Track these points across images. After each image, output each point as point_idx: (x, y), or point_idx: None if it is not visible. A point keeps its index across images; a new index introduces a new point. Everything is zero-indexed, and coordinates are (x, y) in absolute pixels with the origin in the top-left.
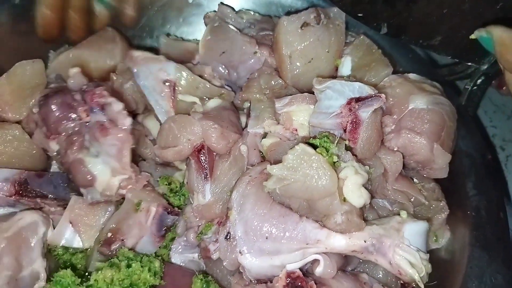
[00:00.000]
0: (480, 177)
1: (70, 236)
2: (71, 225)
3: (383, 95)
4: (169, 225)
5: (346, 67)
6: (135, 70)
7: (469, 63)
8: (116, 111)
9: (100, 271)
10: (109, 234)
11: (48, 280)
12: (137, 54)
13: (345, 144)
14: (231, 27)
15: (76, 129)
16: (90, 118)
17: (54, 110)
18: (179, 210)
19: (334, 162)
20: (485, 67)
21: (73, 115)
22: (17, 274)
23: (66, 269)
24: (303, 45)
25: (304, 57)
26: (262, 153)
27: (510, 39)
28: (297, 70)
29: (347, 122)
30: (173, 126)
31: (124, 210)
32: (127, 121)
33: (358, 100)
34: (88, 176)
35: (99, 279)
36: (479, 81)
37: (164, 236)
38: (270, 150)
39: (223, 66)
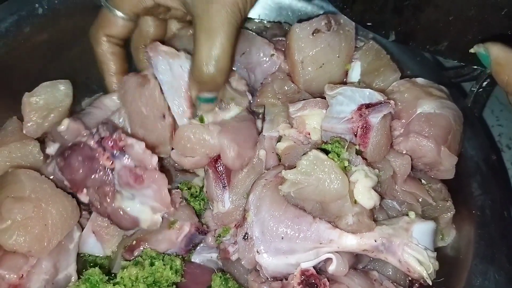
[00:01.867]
0: (484, 177)
1: (92, 245)
2: (93, 234)
3: (392, 102)
4: (197, 243)
5: (355, 71)
6: (153, 61)
7: (475, 66)
8: (139, 152)
9: (125, 269)
10: (134, 242)
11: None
12: (161, 46)
13: (356, 149)
14: (247, 30)
15: (104, 178)
16: (114, 165)
17: (77, 168)
18: (208, 230)
19: (345, 167)
20: None
21: (97, 167)
22: (54, 278)
23: (95, 268)
24: (314, 51)
25: (315, 62)
26: (279, 156)
27: (505, 59)
28: (309, 75)
29: (358, 127)
30: (191, 137)
31: None
32: (154, 160)
33: (368, 106)
34: (131, 220)
35: (125, 277)
36: (484, 83)
37: (190, 250)
38: (285, 153)
39: (244, 68)
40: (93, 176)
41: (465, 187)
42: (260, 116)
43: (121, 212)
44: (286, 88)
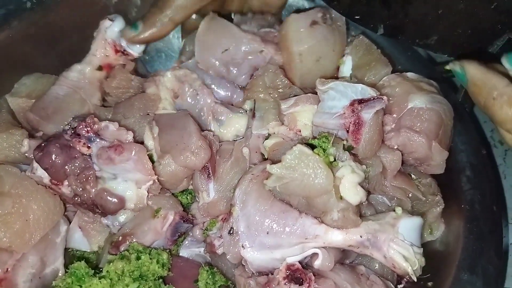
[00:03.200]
0: (474, 172)
1: (79, 240)
2: (80, 229)
3: (385, 97)
4: (183, 232)
5: (347, 66)
6: None
7: None
8: (114, 130)
9: (111, 263)
10: (120, 238)
11: None
12: None
13: (344, 144)
14: (231, 23)
15: (83, 165)
16: (91, 150)
17: (55, 155)
18: (194, 219)
19: (331, 162)
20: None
21: (75, 154)
22: (41, 272)
23: (80, 261)
24: (312, 43)
25: (313, 55)
26: (264, 154)
27: (482, 81)
28: (306, 69)
29: (350, 123)
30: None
31: (141, 217)
32: (130, 135)
33: (360, 101)
34: (116, 199)
35: (111, 271)
36: None
37: (176, 241)
38: (273, 150)
39: (221, 64)
40: (72, 163)
41: (455, 181)
42: (248, 112)
43: (106, 194)
44: (278, 82)
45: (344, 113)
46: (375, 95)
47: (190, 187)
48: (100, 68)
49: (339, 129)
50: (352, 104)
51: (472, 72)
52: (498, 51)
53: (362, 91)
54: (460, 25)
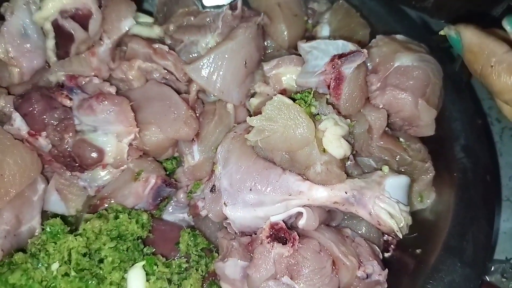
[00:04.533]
0: (468, 140)
1: (56, 203)
2: (56, 192)
3: (365, 50)
4: (165, 196)
5: (324, 31)
6: None
7: None
8: (97, 84)
9: (88, 222)
10: (98, 201)
11: None
12: None
13: (327, 99)
14: None
15: (62, 116)
16: (72, 102)
17: (35, 104)
18: (177, 183)
19: (315, 115)
20: None
21: (55, 104)
22: (16, 229)
23: (56, 218)
24: None
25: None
26: (250, 111)
27: (479, 47)
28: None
29: (331, 79)
30: None
31: (122, 180)
32: (112, 88)
33: (340, 56)
34: (94, 152)
35: (88, 229)
36: None
37: (158, 205)
38: (258, 108)
39: None
40: (51, 112)
41: (448, 150)
42: None
43: (85, 144)
44: (267, 45)
45: (325, 70)
46: (355, 49)
47: (176, 154)
48: None
49: (321, 86)
50: (332, 60)
51: (468, 37)
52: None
53: (343, 47)
54: None
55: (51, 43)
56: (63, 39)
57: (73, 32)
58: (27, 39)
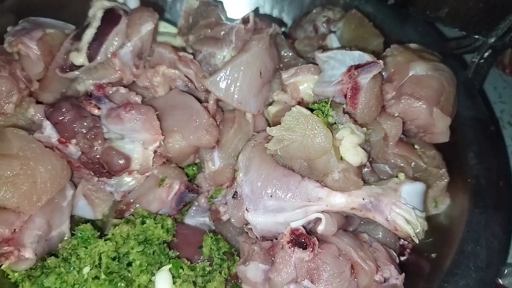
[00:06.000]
0: (482, 147)
1: (83, 208)
2: (84, 198)
3: (381, 61)
4: (188, 201)
5: (334, 42)
6: None
7: (476, 36)
8: (124, 93)
9: (117, 227)
10: (124, 206)
11: None
12: None
13: (343, 108)
14: None
15: (92, 125)
16: (101, 111)
17: (66, 113)
18: (199, 189)
19: (332, 124)
20: (492, 40)
21: (85, 113)
22: (47, 234)
23: (87, 224)
24: None
25: None
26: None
27: None
28: None
29: (347, 88)
30: None
31: (147, 185)
32: (138, 98)
33: (357, 67)
34: (122, 159)
35: (116, 234)
36: (486, 54)
37: (181, 210)
38: (276, 116)
39: None
40: (81, 121)
41: (461, 156)
42: None
43: (113, 151)
44: (284, 54)
45: (342, 80)
46: (372, 60)
47: (197, 160)
48: None
49: (337, 96)
50: (349, 70)
51: None
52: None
53: (359, 57)
54: None
55: (90, 32)
56: (106, 26)
57: (122, 15)
58: None
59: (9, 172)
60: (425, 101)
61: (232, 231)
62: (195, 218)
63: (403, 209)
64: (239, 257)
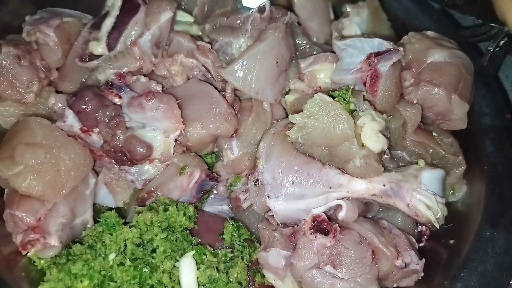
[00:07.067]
0: (498, 134)
1: (105, 196)
2: (105, 186)
3: (401, 48)
4: (208, 189)
5: (354, 27)
6: None
7: (493, 24)
8: (144, 82)
9: (140, 214)
10: (145, 195)
11: None
12: None
13: (363, 95)
14: None
15: (114, 113)
16: (122, 100)
17: (88, 102)
18: (218, 177)
19: (353, 111)
20: (508, 28)
21: (106, 102)
22: (71, 222)
23: (111, 211)
24: None
25: None
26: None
27: None
28: None
29: (367, 76)
30: None
31: (167, 174)
32: (159, 86)
33: (377, 54)
34: (144, 147)
35: (140, 221)
36: (501, 42)
37: (201, 198)
38: (294, 104)
39: None
40: (103, 110)
41: (478, 144)
42: None
43: (135, 140)
44: (299, 42)
45: (361, 68)
46: (391, 47)
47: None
48: None
49: (356, 84)
50: (368, 57)
51: None
52: None
53: (378, 45)
54: None
55: (109, 22)
56: (125, 15)
57: (141, 4)
58: None
59: (33, 161)
60: (444, 87)
61: (251, 218)
62: (213, 206)
63: (423, 195)
64: (259, 243)
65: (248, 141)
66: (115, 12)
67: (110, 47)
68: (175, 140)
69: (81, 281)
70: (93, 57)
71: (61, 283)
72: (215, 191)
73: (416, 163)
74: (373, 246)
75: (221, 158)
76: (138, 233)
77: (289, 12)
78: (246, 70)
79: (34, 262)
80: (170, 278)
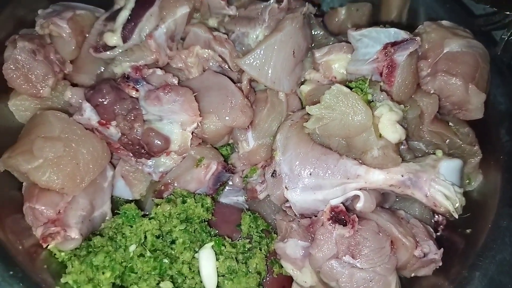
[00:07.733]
0: None
1: (122, 188)
2: (122, 178)
3: (418, 38)
4: (224, 181)
5: None
6: None
7: (508, 12)
8: (160, 75)
9: (159, 206)
10: (162, 187)
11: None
12: None
13: (380, 86)
14: None
15: (131, 106)
16: (139, 93)
17: (106, 95)
18: (234, 168)
19: (370, 102)
20: None
21: (124, 95)
22: (90, 215)
23: (131, 203)
24: None
25: None
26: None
27: None
28: None
29: (383, 66)
30: None
31: (184, 166)
32: (175, 79)
33: (394, 44)
34: (161, 140)
35: (159, 213)
36: None
37: (217, 189)
38: (309, 95)
39: None
40: (121, 103)
41: (493, 133)
42: None
43: (153, 132)
44: (315, 33)
45: (377, 58)
46: (408, 37)
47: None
48: None
49: (373, 74)
50: (385, 47)
51: None
52: None
53: (395, 34)
54: None
55: (125, 14)
56: (140, 8)
57: None
58: None
59: (53, 154)
60: (461, 77)
61: (267, 210)
62: (229, 198)
63: (442, 185)
64: (276, 234)
65: (263, 132)
66: (130, 5)
67: (124, 39)
68: (192, 133)
69: (103, 273)
70: (107, 48)
71: (83, 275)
72: (230, 183)
73: (433, 154)
74: (391, 236)
75: (237, 150)
76: (157, 225)
77: (306, 2)
78: (263, 60)
79: (55, 254)
80: (190, 268)
